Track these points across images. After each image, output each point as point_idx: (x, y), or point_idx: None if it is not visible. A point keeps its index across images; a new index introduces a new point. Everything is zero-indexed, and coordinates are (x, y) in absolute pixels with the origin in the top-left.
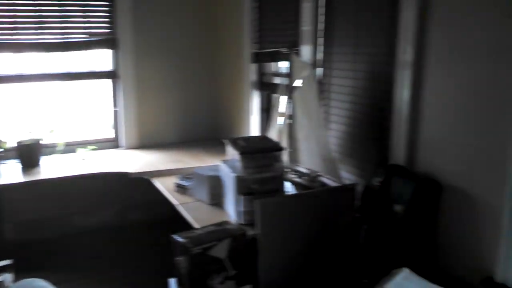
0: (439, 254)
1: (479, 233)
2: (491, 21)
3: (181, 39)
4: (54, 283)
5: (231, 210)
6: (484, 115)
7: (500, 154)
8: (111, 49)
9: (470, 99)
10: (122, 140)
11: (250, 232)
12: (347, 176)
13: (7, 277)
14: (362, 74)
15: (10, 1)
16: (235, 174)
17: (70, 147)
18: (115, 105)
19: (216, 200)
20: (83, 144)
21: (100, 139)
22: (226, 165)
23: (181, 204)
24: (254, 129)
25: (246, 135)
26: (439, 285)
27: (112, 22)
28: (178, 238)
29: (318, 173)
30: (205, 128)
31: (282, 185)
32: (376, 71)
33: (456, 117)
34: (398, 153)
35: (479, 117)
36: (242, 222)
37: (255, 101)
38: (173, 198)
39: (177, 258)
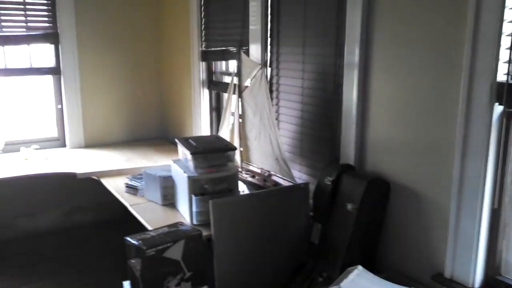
0: (390, 251)
1: (427, 230)
2: (433, 24)
3: (127, 34)
4: None
5: (184, 211)
6: (428, 115)
7: (444, 153)
8: (52, 44)
9: (414, 99)
10: (67, 139)
11: (205, 232)
12: (299, 175)
13: None
14: (311, 75)
15: None
16: (188, 175)
17: (12, 146)
18: (58, 103)
19: (169, 200)
20: (26, 143)
21: (44, 138)
22: (177, 165)
23: (132, 205)
24: (204, 128)
25: (196, 135)
26: (391, 282)
27: (53, 15)
28: (131, 240)
29: (270, 173)
30: (154, 127)
31: (235, 185)
32: (324, 72)
33: (401, 117)
34: (348, 152)
35: (423, 117)
36: (196, 223)
37: (204, 100)
38: (124, 200)
39: (131, 261)
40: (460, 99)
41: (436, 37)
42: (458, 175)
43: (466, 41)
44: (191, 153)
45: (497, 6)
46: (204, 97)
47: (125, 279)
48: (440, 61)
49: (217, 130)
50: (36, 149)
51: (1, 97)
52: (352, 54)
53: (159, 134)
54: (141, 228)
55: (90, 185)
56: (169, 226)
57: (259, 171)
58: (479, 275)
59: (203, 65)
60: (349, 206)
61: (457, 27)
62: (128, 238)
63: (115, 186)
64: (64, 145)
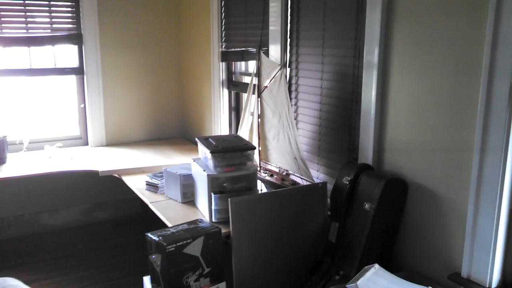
0: (407, 250)
1: (444, 230)
2: (452, 25)
3: (148, 35)
4: (23, 282)
5: (204, 209)
6: (447, 115)
7: (463, 153)
8: (76, 44)
9: (432, 102)
10: (89, 138)
11: (223, 230)
12: (316, 174)
13: None
14: (329, 75)
15: None
16: (207, 173)
17: (36, 145)
18: (81, 102)
19: (188, 198)
20: (49, 141)
21: (67, 136)
22: (197, 163)
23: (152, 202)
24: (223, 128)
25: (215, 134)
26: (408, 281)
27: (77, 17)
28: (152, 236)
29: (288, 172)
30: (174, 126)
31: (254, 184)
32: (343, 72)
33: (420, 118)
34: (366, 152)
35: (442, 117)
36: (215, 220)
37: (224, 100)
38: (144, 197)
39: (151, 256)
40: (479, 99)
41: (455, 38)
42: (476, 175)
43: (486, 42)
44: (211, 152)
45: None
46: (223, 97)
47: (145, 275)
48: (459, 62)
49: (236, 129)
50: (60, 147)
51: (26, 97)
52: (371, 54)
53: (178, 133)
54: (159, 225)
55: (111, 183)
56: (189, 223)
57: (277, 170)
58: (496, 275)
59: (223, 65)
60: (367, 206)
61: (476, 29)
62: (149, 234)
63: (136, 184)
64: (86, 144)
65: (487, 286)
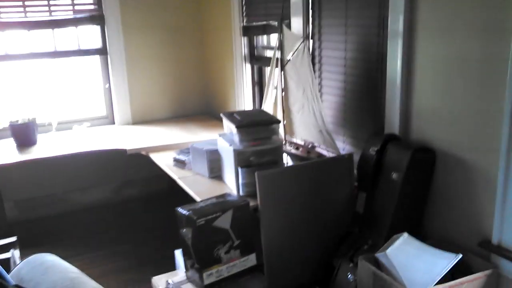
0: (436, 219)
1: (474, 198)
2: None
3: (169, 14)
4: None
5: (231, 183)
6: (475, 83)
7: (492, 120)
8: (98, 25)
9: (460, 68)
10: (115, 117)
11: (251, 203)
12: (342, 146)
13: (15, 253)
14: (353, 46)
15: None
16: (234, 148)
17: (64, 125)
18: (106, 82)
19: (215, 173)
20: (77, 121)
21: (93, 116)
22: (223, 138)
23: (180, 178)
24: (247, 103)
25: (239, 109)
26: (437, 248)
27: None
28: (182, 210)
29: (314, 144)
30: (197, 103)
31: (280, 157)
32: (367, 42)
33: (447, 85)
34: (393, 122)
35: (469, 85)
36: (242, 194)
37: (246, 75)
38: (173, 173)
39: (182, 230)
40: (509, 64)
41: (486, 12)
42: (507, 141)
43: None
44: (236, 127)
45: None
46: (246, 72)
47: (176, 249)
48: (488, 27)
49: (260, 104)
50: (88, 127)
51: (53, 79)
52: (396, 22)
53: (202, 109)
54: (187, 201)
55: (138, 161)
56: (217, 197)
57: (302, 143)
58: None
59: (244, 40)
60: (394, 175)
61: (507, 5)
62: (179, 209)
63: (163, 161)
64: (112, 123)
65: None
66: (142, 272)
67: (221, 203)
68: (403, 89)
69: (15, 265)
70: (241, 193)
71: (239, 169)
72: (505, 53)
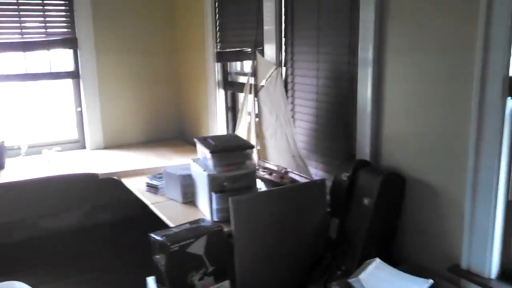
0: (406, 244)
1: (443, 223)
2: (445, 20)
3: (143, 38)
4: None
5: (204, 208)
6: (442, 109)
7: (459, 147)
8: (71, 48)
9: (428, 95)
10: (87, 141)
11: (225, 228)
12: (315, 172)
13: None
14: (325, 73)
15: None
16: (207, 173)
17: (34, 149)
18: (77, 106)
19: (188, 198)
20: (47, 145)
21: (64, 140)
22: (196, 163)
23: (153, 203)
24: (220, 128)
25: (212, 134)
26: (408, 273)
27: (71, 21)
28: (155, 236)
29: (287, 170)
30: (171, 128)
31: (253, 182)
32: (338, 70)
33: (416, 112)
34: (364, 148)
35: (437, 111)
36: (216, 219)
37: (220, 100)
38: (145, 198)
39: (155, 256)
40: (473, 93)
41: (449, 33)
42: (473, 168)
43: (479, 37)
44: (211, 152)
45: (509, 2)
46: (219, 97)
47: (148, 275)
48: (453, 57)
49: (233, 129)
50: (58, 151)
51: (23, 102)
52: (366, 51)
53: (176, 134)
54: (159, 226)
55: (110, 185)
56: (191, 222)
57: (275, 168)
58: (495, 266)
59: (218, 66)
60: (366, 201)
61: (469, 24)
62: (153, 235)
63: (136, 186)
64: (84, 147)
65: (487, 277)
66: None
67: (195, 229)
68: (373, 115)
69: None
70: (214, 218)
71: (213, 195)
72: (468, 83)
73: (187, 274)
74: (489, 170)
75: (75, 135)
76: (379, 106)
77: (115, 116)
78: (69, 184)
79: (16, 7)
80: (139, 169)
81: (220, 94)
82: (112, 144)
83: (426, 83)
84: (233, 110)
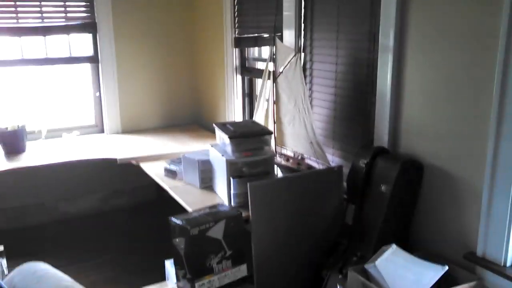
0: (422, 231)
1: (459, 210)
2: (469, 8)
3: (161, 23)
4: None
5: (222, 193)
6: (462, 98)
7: (478, 134)
8: (90, 33)
9: (448, 83)
10: (105, 125)
11: (242, 213)
12: (332, 158)
13: (2, 262)
14: (344, 59)
15: None
16: (226, 158)
17: (54, 133)
18: (96, 90)
19: (206, 183)
20: (66, 130)
21: (83, 125)
22: (215, 149)
23: (171, 188)
24: (237, 114)
25: (229, 120)
26: (424, 260)
27: (91, 6)
28: (175, 220)
29: (304, 156)
30: (187, 113)
31: (271, 168)
32: (358, 56)
33: (436, 100)
34: (382, 135)
35: (457, 100)
36: (234, 204)
37: (237, 86)
38: (164, 183)
39: (175, 240)
40: (494, 80)
41: (471, 20)
42: (492, 155)
43: (502, 25)
44: (230, 137)
45: None
46: (237, 83)
47: (164, 259)
48: (475, 44)
49: (250, 115)
50: (77, 135)
51: (43, 86)
52: (387, 38)
53: (192, 120)
54: (175, 210)
55: (128, 170)
56: (210, 207)
57: (292, 154)
58: (511, 253)
59: (236, 51)
60: (383, 187)
61: (493, 12)
62: (173, 218)
63: (154, 171)
64: (102, 131)
65: (502, 264)
66: (130, 283)
67: (214, 213)
68: (392, 103)
69: (3, 274)
70: (232, 203)
71: (231, 180)
72: (489, 70)
73: (206, 258)
74: (509, 158)
75: (93, 120)
76: (398, 94)
77: (133, 101)
78: (87, 168)
79: None
80: (156, 155)
81: (238, 79)
82: (129, 129)
83: (446, 71)
84: (250, 96)
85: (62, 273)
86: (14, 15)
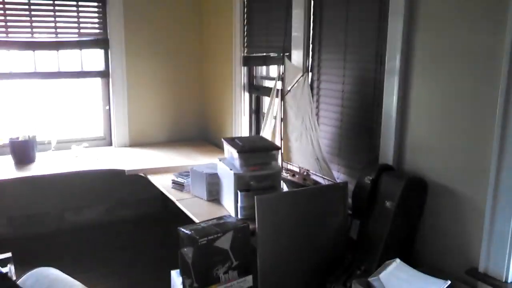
0: (426, 246)
1: (462, 227)
2: (473, 31)
3: (171, 40)
4: None
5: (229, 206)
6: (466, 118)
7: (481, 153)
8: (102, 49)
9: (452, 103)
10: (113, 138)
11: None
12: (337, 175)
13: (11, 269)
14: (351, 80)
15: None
16: (234, 172)
17: (63, 144)
18: (106, 104)
19: (213, 196)
20: (75, 141)
21: (91, 137)
22: (223, 162)
23: (179, 200)
24: (244, 130)
25: (236, 136)
26: (427, 274)
27: (104, 23)
28: (183, 230)
29: (309, 172)
30: (194, 129)
31: (278, 182)
32: (364, 77)
33: (440, 119)
34: (387, 153)
35: (461, 120)
36: (240, 217)
37: (244, 103)
38: (171, 195)
39: (183, 249)
40: (498, 101)
41: (475, 46)
42: (495, 174)
43: (505, 49)
44: (238, 152)
45: None
46: (244, 100)
47: (170, 270)
48: (479, 67)
49: (257, 131)
50: (86, 147)
51: (55, 98)
52: (393, 61)
53: (199, 135)
54: (181, 223)
55: (134, 182)
56: (217, 218)
57: (298, 170)
58: None
59: (244, 69)
60: (388, 204)
61: (496, 37)
62: (181, 228)
63: (161, 183)
64: (110, 144)
65: (504, 281)
66: None
67: (222, 225)
68: (398, 122)
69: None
70: (239, 216)
71: (239, 193)
72: (493, 91)
73: (213, 268)
74: (511, 176)
75: (101, 133)
76: (404, 113)
77: (141, 115)
78: (94, 180)
79: (52, 7)
80: (164, 167)
81: (245, 97)
82: (137, 142)
83: (451, 93)
84: (257, 113)
85: (72, 278)
86: (29, 29)
